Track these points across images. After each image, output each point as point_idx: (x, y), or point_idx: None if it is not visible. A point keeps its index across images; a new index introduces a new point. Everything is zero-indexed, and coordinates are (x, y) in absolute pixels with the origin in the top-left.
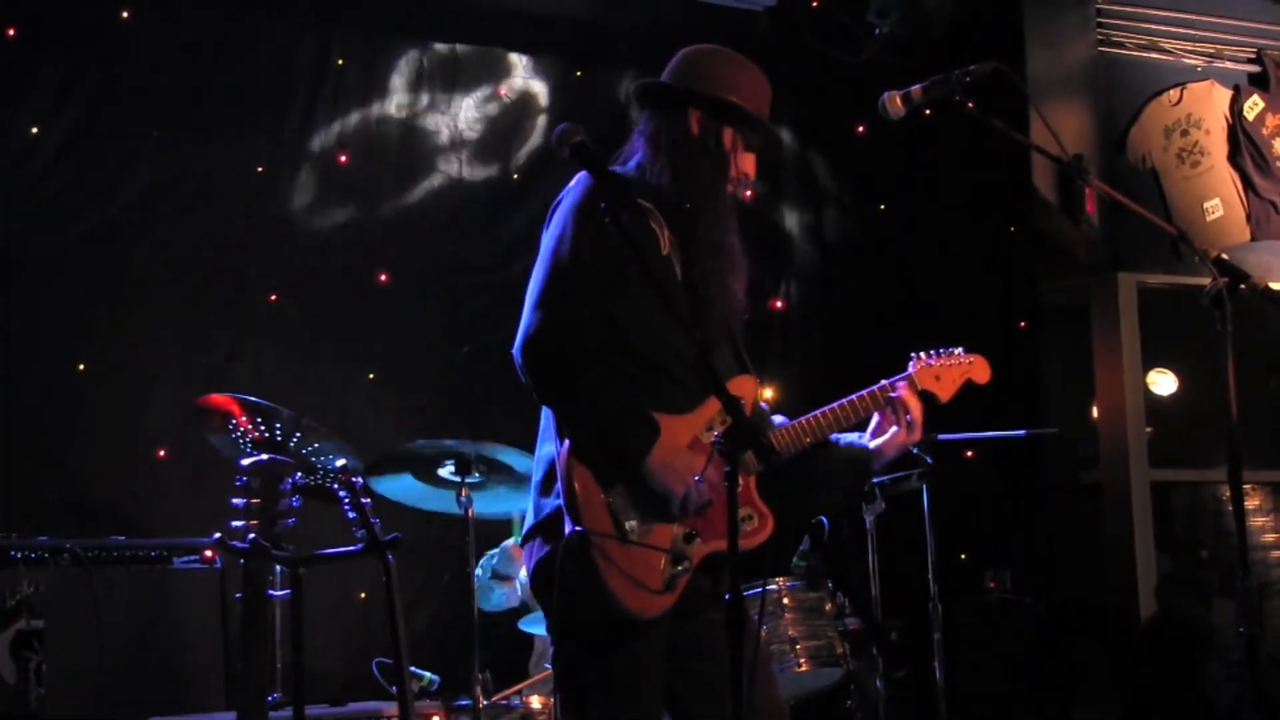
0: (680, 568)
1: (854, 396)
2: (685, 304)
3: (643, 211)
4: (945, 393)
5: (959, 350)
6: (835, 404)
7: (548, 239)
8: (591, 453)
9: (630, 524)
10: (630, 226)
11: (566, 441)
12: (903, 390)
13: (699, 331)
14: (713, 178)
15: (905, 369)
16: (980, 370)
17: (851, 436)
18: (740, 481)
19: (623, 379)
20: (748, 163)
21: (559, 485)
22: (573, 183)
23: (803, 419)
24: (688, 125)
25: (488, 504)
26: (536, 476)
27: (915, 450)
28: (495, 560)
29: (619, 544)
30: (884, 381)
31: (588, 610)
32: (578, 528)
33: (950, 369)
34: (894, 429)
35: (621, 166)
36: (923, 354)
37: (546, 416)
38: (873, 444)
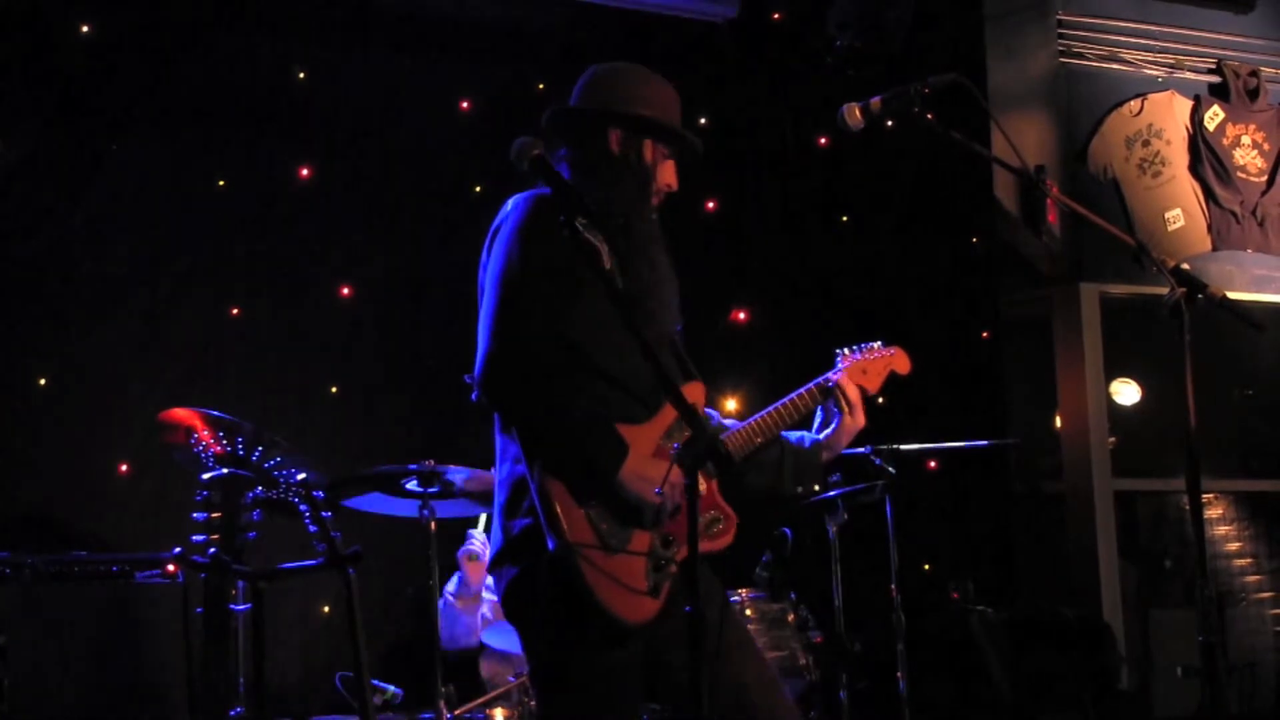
0: (662, 572)
1: (794, 395)
2: (628, 315)
3: (586, 226)
4: (873, 385)
5: (878, 344)
6: (778, 403)
7: (494, 263)
8: (564, 468)
9: (611, 534)
10: (585, 239)
11: (538, 460)
12: (839, 377)
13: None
14: (637, 193)
15: (834, 365)
16: (901, 361)
17: (800, 433)
18: (703, 485)
19: (582, 394)
20: (669, 172)
21: (531, 504)
22: (509, 206)
23: (750, 420)
24: (607, 145)
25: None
26: (500, 499)
27: (878, 461)
28: (452, 587)
29: (603, 553)
30: (818, 379)
31: (578, 620)
32: (561, 541)
33: (874, 362)
34: (838, 418)
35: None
36: (846, 350)
37: (502, 440)
38: (823, 436)
